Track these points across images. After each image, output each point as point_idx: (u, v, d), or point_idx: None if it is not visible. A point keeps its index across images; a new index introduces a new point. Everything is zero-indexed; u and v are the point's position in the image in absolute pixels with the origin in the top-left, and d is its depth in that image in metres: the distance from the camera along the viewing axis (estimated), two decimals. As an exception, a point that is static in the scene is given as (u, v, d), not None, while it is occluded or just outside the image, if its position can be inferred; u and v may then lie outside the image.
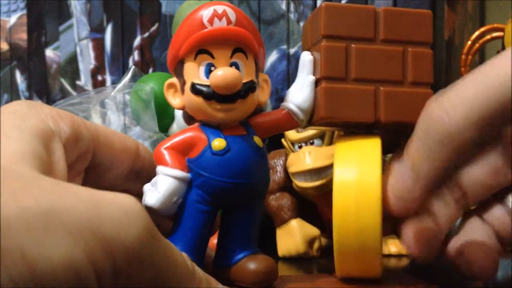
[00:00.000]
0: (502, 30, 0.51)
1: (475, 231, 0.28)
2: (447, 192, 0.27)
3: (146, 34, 0.63)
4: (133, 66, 0.50)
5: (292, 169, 0.44)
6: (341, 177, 0.27)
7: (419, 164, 0.25)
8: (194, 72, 0.28)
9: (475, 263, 0.27)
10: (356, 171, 0.27)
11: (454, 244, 0.28)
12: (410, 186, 0.26)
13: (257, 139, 0.29)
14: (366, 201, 0.26)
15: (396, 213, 0.27)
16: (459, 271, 0.28)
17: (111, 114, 0.48)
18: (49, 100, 0.69)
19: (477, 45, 0.55)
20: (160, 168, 0.28)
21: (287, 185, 0.45)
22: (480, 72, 0.24)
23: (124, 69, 0.63)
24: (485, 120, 0.24)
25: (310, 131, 0.43)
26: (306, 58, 0.30)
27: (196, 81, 0.28)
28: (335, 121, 0.29)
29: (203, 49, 0.28)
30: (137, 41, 0.64)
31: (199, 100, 0.28)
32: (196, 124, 0.29)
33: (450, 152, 0.25)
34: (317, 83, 0.29)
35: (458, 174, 0.27)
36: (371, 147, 0.28)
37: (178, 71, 0.29)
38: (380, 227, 0.26)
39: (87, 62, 0.67)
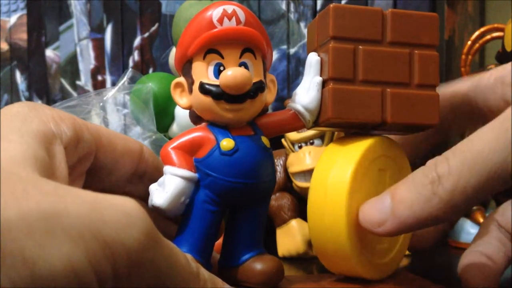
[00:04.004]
0: (502, 30, 0.51)
1: (488, 243, 0.29)
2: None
3: (146, 34, 0.63)
4: (130, 68, 0.50)
5: (292, 169, 0.44)
6: (316, 177, 0.28)
7: (403, 211, 0.25)
8: (203, 72, 0.28)
9: (473, 284, 0.27)
10: (330, 171, 0.28)
11: (465, 257, 0.29)
12: (380, 218, 0.26)
13: (264, 139, 0.29)
14: (333, 201, 0.27)
15: (363, 234, 0.27)
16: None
17: (111, 115, 0.48)
18: (49, 100, 0.69)
19: (477, 45, 0.55)
20: (167, 168, 0.28)
21: (287, 185, 0.46)
22: (468, 141, 0.24)
23: (124, 69, 0.63)
24: (474, 190, 0.24)
25: (310, 131, 0.43)
26: (313, 59, 0.30)
27: (205, 81, 0.28)
28: (342, 122, 0.29)
29: (212, 48, 0.28)
30: (137, 41, 0.64)
31: (207, 100, 0.28)
32: (204, 124, 0.29)
33: (441, 209, 0.25)
34: (324, 84, 0.29)
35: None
36: (356, 148, 0.28)
37: (186, 71, 0.29)
38: (346, 227, 0.27)
39: (87, 62, 0.67)
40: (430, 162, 0.25)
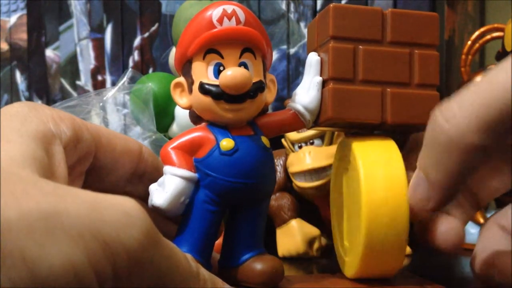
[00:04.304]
0: (502, 30, 0.51)
1: (495, 240, 0.29)
2: (460, 194, 0.28)
3: (146, 34, 0.63)
4: (130, 68, 0.50)
5: (292, 169, 0.44)
6: (369, 175, 0.27)
7: (431, 172, 0.26)
8: (203, 72, 0.28)
9: (508, 271, 0.27)
10: (383, 169, 0.28)
11: (480, 256, 0.29)
12: (425, 194, 0.26)
13: (264, 139, 0.29)
14: (395, 197, 0.27)
15: (411, 219, 0.28)
16: (490, 281, 0.28)
17: (111, 115, 0.48)
18: (49, 100, 0.69)
19: (477, 45, 0.55)
20: (167, 168, 0.28)
21: (287, 185, 0.46)
22: (481, 82, 0.24)
23: (124, 69, 0.63)
24: (486, 127, 0.24)
25: (310, 131, 0.43)
26: (313, 59, 0.30)
27: (204, 81, 0.28)
28: (342, 122, 0.29)
29: (212, 48, 0.28)
30: (137, 41, 0.64)
31: (207, 100, 0.28)
32: (203, 124, 0.29)
33: (456, 158, 0.25)
34: (324, 83, 0.29)
35: (469, 180, 0.28)
36: (391, 146, 0.29)
37: (186, 71, 0.29)
38: (408, 222, 0.27)
39: (87, 62, 0.67)
40: (435, 112, 0.25)
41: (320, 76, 0.30)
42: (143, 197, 0.28)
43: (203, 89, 0.28)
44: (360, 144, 0.29)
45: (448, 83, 0.56)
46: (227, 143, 0.28)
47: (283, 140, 0.46)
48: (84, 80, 0.67)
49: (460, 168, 0.25)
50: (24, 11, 0.71)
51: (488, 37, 0.55)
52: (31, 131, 0.22)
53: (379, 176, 0.27)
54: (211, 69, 0.28)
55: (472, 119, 0.24)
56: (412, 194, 0.27)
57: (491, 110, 0.23)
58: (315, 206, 0.45)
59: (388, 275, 0.29)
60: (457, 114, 0.24)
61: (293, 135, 0.44)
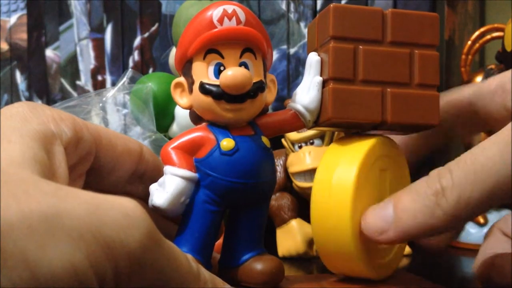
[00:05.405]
0: (502, 30, 0.51)
1: (498, 245, 0.29)
2: None
3: (146, 34, 0.63)
4: (130, 68, 0.50)
5: (292, 169, 0.44)
6: (319, 178, 0.28)
7: (406, 221, 0.25)
8: (203, 72, 0.28)
9: (507, 273, 0.27)
10: (334, 172, 0.28)
11: (482, 257, 0.29)
12: (384, 225, 0.26)
13: (265, 139, 0.29)
14: (338, 201, 0.27)
15: (366, 236, 0.27)
16: (490, 281, 0.28)
17: (111, 115, 0.48)
18: (49, 100, 0.69)
19: (477, 45, 0.55)
20: (167, 168, 0.28)
21: (287, 185, 0.46)
22: (471, 154, 0.24)
23: (124, 69, 0.63)
24: (477, 203, 0.24)
25: (310, 131, 0.43)
26: (313, 59, 0.30)
27: (205, 81, 0.28)
28: (342, 122, 0.29)
29: (212, 48, 0.28)
30: (137, 41, 0.64)
31: (208, 99, 0.28)
32: (204, 124, 0.29)
33: (445, 221, 0.25)
34: (324, 83, 0.29)
35: None
36: (358, 148, 0.28)
37: (186, 71, 0.29)
38: (351, 228, 0.27)
39: (87, 62, 0.67)
40: (433, 173, 0.25)
41: (320, 76, 0.30)
42: (143, 197, 0.28)
43: (203, 89, 0.28)
44: (334, 147, 0.29)
45: (448, 83, 0.57)
46: (227, 143, 0.28)
47: (283, 140, 0.46)
48: (84, 80, 0.67)
49: (439, 231, 0.25)
50: (24, 11, 0.71)
51: (488, 37, 0.55)
52: (31, 131, 0.22)
53: (326, 180, 0.28)
54: (211, 69, 0.28)
55: (464, 196, 0.24)
56: (369, 216, 0.27)
57: (480, 187, 0.23)
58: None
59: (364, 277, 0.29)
60: (452, 188, 0.24)
61: (293, 135, 0.45)
